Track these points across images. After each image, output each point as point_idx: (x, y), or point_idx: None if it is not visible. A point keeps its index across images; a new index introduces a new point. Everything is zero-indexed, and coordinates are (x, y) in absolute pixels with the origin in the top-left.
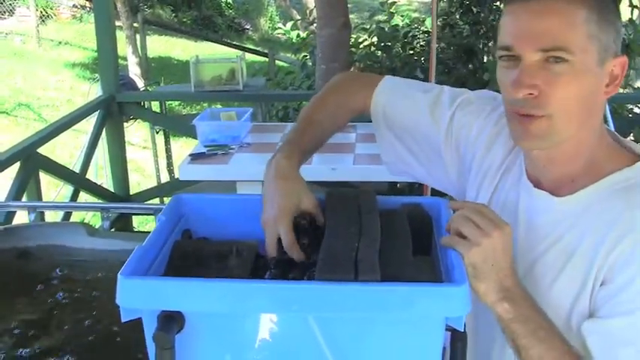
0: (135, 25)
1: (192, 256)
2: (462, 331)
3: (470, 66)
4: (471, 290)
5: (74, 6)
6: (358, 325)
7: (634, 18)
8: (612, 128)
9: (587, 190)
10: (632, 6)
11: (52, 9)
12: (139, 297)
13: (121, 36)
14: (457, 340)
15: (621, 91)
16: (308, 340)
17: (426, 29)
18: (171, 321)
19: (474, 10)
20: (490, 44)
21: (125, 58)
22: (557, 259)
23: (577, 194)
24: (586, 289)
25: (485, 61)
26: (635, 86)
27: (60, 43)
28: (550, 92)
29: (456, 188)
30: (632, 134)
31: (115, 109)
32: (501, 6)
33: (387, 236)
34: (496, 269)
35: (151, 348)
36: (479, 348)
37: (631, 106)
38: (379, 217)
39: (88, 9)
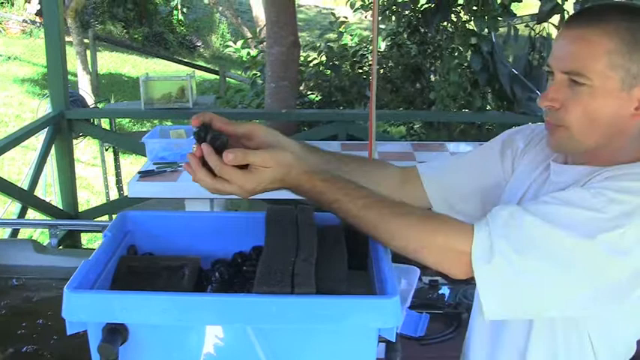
0: (85, 40)
1: (138, 270)
2: (395, 341)
3: (417, 85)
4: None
5: (24, 21)
6: (295, 336)
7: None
8: None
9: (620, 165)
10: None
11: (0, 24)
12: (84, 310)
13: (71, 52)
14: (391, 351)
15: None
16: (248, 351)
17: None
18: (116, 333)
19: (422, 30)
20: (437, 64)
21: (75, 74)
22: None
23: (605, 167)
24: None
25: (432, 80)
26: None
27: (9, 58)
28: (570, 108)
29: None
30: None
31: (64, 125)
32: (448, 26)
33: (323, 251)
34: (263, 183)
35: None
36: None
37: None
38: (317, 233)
39: (38, 24)
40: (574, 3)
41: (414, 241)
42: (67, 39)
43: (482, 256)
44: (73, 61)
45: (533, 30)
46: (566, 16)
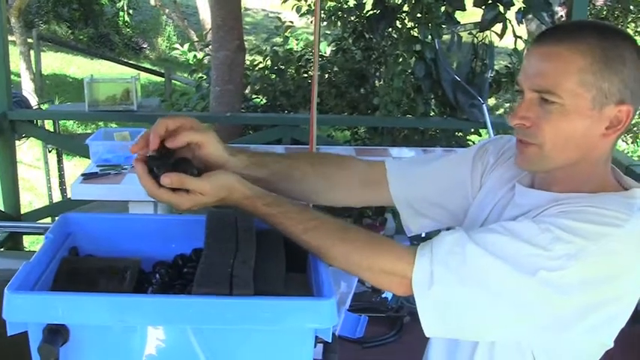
0: (29, 40)
1: (79, 272)
2: (332, 342)
3: (362, 90)
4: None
5: None
6: (234, 336)
7: (518, 48)
8: None
9: (577, 194)
10: (515, 36)
11: None
12: (24, 311)
13: (15, 51)
14: (329, 352)
15: None
16: (188, 351)
17: (320, 53)
18: (56, 334)
19: (367, 36)
20: (381, 69)
21: (18, 75)
22: None
23: (563, 194)
24: None
25: (376, 85)
26: None
27: None
28: (541, 126)
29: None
30: None
31: (7, 127)
32: (393, 32)
33: (261, 254)
34: (200, 204)
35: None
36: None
37: None
38: (256, 236)
39: None
40: (515, 12)
41: (355, 265)
42: (10, 38)
43: (422, 282)
44: (16, 61)
45: (476, 37)
46: (508, 25)
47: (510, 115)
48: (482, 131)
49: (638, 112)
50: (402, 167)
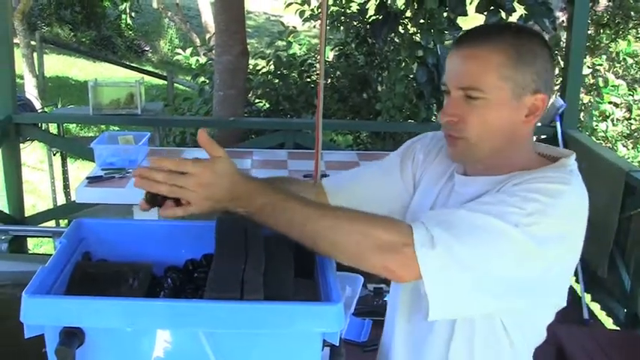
0: (32, 43)
1: (93, 276)
2: (339, 346)
3: (364, 95)
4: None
5: None
6: (244, 340)
7: None
8: None
9: (511, 174)
10: None
11: None
12: (42, 314)
13: (18, 54)
14: (335, 355)
15: None
16: (199, 353)
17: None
18: (72, 336)
19: (370, 41)
20: (384, 75)
21: (22, 77)
22: None
23: (499, 176)
24: None
25: (378, 90)
26: None
27: None
28: (468, 120)
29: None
30: None
31: (11, 130)
32: (395, 38)
33: (271, 260)
34: (217, 192)
35: None
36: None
37: None
38: (265, 242)
39: None
40: (517, 18)
41: (356, 245)
42: (14, 41)
43: (424, 244)
44: (20, 64)
45: None
46: None
47: (440, 114)
48: None
49: (638, 117)
50: (335, 179)
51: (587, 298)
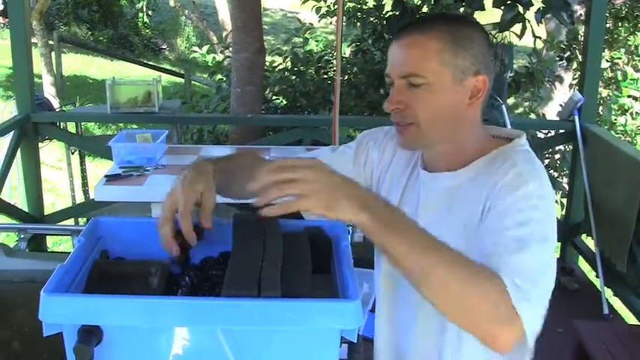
0: (50, 42)
1: (110, 274)
2: (356, 342)
3: (381, 91)
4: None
5: None
6: (262, 337)
7: (537, 48)
8: None
9: (475, 162)
10: (535, 36)
11: None
12: (60, 313)
13: (36, 53)
14: (354, 352)
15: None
16: (217, 351)
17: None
18: (91, 335)
19: (386, 36)
20: None
21: (40, 76)
22: (453, 224)
23: (467, 166)
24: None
25: None
26: (540, 113)
27: None
28: (414, 106)
29: None
30: None
31: (30, 129)
32: None
33: (288, 256)
34: (337, 189)
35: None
36: (398, 334)
37: (535, 131)
38: (282, 239)
39: (1, 25)
40: (535, 12)
41: (478, 309)
42: (32, 40)
43: (521, 306)
44: (38, 63)
45: (495, 38)
46: (527, 25)
47: (386, 103)
48: None
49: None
50: None
51: (608, 293)
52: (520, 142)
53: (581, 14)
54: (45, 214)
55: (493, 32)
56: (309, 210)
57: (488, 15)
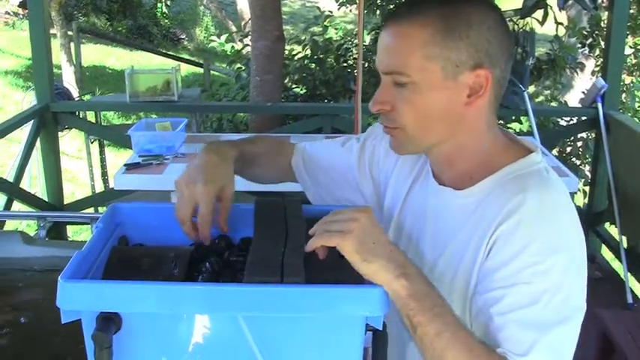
0: (69, 33)
1: (129, 260)
2: (382, 330)
3: None
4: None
5: (7, 13)
6: (284, 324)
7: (559, 34)
8: (538, 140)
9: (484, 181)
10: (557, 23)
11: None
12: (78, 299)
13: (55, 44)
14: (378, 339)
15: (553, 104)
16: (238, 338)
17: None
18: (109, 322)
19: None
20: None
21: (59, 67)
22: (457, 249)
23: (475, 186)
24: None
25: None
26: (562, 100)
27: None
28: (399, 108)
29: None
30: (556, 146)
31: (49, 118)
32: None
33: None
34: (380, 245)
35: (90, 347)
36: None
37: (557, 119)
38: (305, 224)
39: (20, 16)
40: None
41: None
42: (51, 31)
43: None
44: (57, 54)
45: (517, 24)
46: (549, 11)
47: (371, 102)
48: (523, 119)
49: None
50: (313, 154)
51: (631, 281)
52: (536, 159)
53: (603, 0)
54: (65, 203)
55: (514, 18)
56: (342, 249)
57: (510, 1)
